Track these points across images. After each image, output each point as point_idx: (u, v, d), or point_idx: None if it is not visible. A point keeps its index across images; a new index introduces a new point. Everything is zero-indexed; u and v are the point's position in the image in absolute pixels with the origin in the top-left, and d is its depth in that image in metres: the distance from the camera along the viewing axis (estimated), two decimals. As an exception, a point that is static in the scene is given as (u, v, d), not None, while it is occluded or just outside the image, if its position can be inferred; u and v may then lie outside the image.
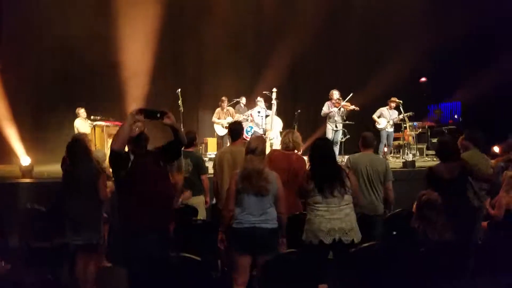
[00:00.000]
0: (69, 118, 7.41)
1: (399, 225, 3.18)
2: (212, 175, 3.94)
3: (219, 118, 7.89)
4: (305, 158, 3.69)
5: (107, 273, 3.72)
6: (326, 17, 9.69)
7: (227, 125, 7.76)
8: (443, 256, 2.36)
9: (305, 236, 2.80)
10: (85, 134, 4.27)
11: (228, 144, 4.49)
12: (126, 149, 2.67)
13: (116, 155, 2.49)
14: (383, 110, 7.66)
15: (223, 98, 7.92)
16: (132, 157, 2.59)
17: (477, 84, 8.95)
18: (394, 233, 2.46)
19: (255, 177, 2.74)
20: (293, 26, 9.44)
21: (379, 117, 7.65)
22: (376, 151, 7.62)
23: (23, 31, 7.82)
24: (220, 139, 8.03)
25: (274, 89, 7.41)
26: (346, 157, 6.78)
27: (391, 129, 7.71)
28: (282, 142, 3.75)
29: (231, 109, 8.02)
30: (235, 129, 3.86)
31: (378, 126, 7.62)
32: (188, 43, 9.33)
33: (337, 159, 3.07)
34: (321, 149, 2.92)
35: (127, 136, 2.49)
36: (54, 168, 5.60)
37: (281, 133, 7.75)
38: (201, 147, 8.59)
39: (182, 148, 3.11)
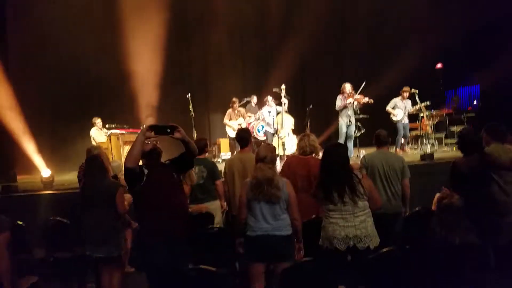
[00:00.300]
0: (85, 127, 7.58)
1: (419, 224, 3.11)
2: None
3: (230, 119, 7.91)
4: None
5: (131, 278, 3.79)
6: (332, 11, 9.56)
7: (238, 126, 7.80)
8: (464, 260, 2.29)
9: (321, 242, 2.78)
10: (99, 147, 4.30)
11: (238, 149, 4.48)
12: (140, 163, 2.73)
13: (130, 172, 2.55)
14: (397, 100, 7.37)
15: (234, 99, 7.91)
16: (146, 171, 2.65)
17: (495, 67, 8.62)
18: (407, 246, 2.35)
19: (266, 185, 2.74)
20: (299, 21, 9.34)
21: (393, 108, 7.39)
22: (395, 144, 7.52)
23: (36, 46, 8.00)
24: (232, 140, 8.03)
25: (283, 86, 7.31)
26: (362, 151, 6.77)
27: (406, 120, 7.44)
28: (299, 147, 3.71)
29: (242, 110, 8.01)
30: (243, 137, 3.84)
31: (395, 119, 7.33)
32: (194, 46, 9.35)
33: (350, 161, 2.96)
34: (331, 156, 2.84)
35: (139, 153, 2.55)
36: (73, 177, 5.73)
37: (292, 130, 7.76)
38: (213, 149, 8.65)
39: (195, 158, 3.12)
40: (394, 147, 7.51)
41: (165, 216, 2.63)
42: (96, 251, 3.19)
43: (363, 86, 6.85)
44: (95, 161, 3.40)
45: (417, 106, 7.35)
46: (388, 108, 7.41)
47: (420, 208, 3.29)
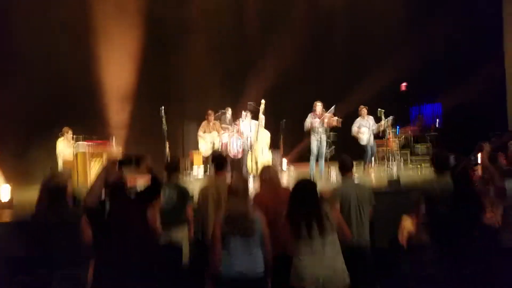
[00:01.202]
0: (51, 138, 7.20)
1: (388, 257, 3.20)
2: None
3: (204, 132, 7.79)
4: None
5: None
6: (309, 30, 9.79)
7: (212, 140, 7.71)
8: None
9: (291, 281, 2.75)
10: (62, 174, 4.03)
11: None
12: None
13: (91, 211, 2.42)
14: (360, 121, 7.61)
15: (209, 111, 7.85)
16: (108, 204, 2.52)
17: (457, 87, 9.11)
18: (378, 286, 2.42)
19: (240, 219, 2.71)
20: (276, 37, 9.49)
21: (359, 127, 7.58)
22: (363, 161, 7.73)
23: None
24: (204, 156, 7.96)
25: (263, 101, 7.37)
26: (332, 168, 6.89)
27: (372, 139, 7.64)
28: (261, 180, 3.61)
29: (217, 123, 7.93)
30: (219, 161, 3.78)
31: (362, 143, 7.54)
32: (171, 57, 9.23)
33: (318, 187, 2.97)
34: (300, 191, 2.84)
35: (100, 190, 2.44)
36: (35, 195, 5.41)
37: (268, 145, 7.83)
38: (186, 161, 8.54)
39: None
40: (362, 166, 7.74)
41: (129, 251, 2.51)
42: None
43: (333, 110, 7.02)
44: (59, 186, 3.12)
45: (382, 123, 7.49)
46: (354, 129, 7.56)
47: (390, 240, 3.37)
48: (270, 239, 2.88)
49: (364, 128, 7.56)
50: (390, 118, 7.59)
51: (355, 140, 7.73)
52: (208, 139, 7.77)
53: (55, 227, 3.08)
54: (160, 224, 3.76)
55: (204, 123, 7.85)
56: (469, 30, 8.97)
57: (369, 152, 7.58)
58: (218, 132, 7.83)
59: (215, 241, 2.78)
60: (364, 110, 7.60)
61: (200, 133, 7.82)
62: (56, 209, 3.07)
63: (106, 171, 2.43)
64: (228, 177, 3.70)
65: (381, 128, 7.61)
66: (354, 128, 7.59)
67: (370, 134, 7.55)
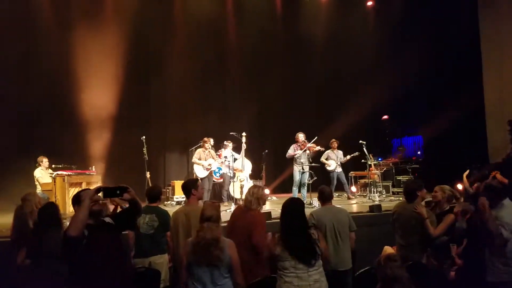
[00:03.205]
0: (28, 166, 7.00)
1: (368, 284, 3.17)
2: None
3: (199, 159, 7.70)
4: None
5: None
6: (290, 64, 10.15)
7: (208, 166, 7.64)
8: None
9: None
10: (34, 194, 4.01)
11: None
12: None
13: (73, 240, 2.32)
14: (329, 152, 8.07)
15: (206, 139, 7.74)
16: (86, 232, 2.44)
17: (436, 120, 9.45)
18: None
19: (208, 247, 2.62)
20: (258, 70, 9.76)
21: (327, 159, 8.02)
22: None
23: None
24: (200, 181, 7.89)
25: (244, 133, 7.53)
26: (315, 198, 6.92)
27: (339, 169, 8.03)
28: (245, 198, 3.67)
29: (212, 151, 7.82)
30: (186, 187, 3.73)
31: (328, 168, 8.00)
32: (154, 86, 9.28)
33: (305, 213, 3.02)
34: (290, 213, 2.88)
35: (86, 219, 2.36)
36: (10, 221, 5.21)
37: (250, 175, 7.89)
38: (168, 190, 8.42)
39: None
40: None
41: (105, 280, 2.45)
42: None
43: (315, 140, 7.26)
44: (51, 209, 3.25)
45: (355, 154, 7.94)
46: (322, 159, 8.04)
47: (369, 268, 3.35)
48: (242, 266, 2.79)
49: (331, 161, 8.00)
50: (356, 153, 7.98)
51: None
52: (206, 164, 7.62)
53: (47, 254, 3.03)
54: (139, 250, 3.73)
55: (199, 150, 7.71)
56: (448, 62, 9.40)
57: (334, 181, 7.96)
58: (214, 160, 7.71)
59: (182, 270, 2.72)
60: (334, 144, 8.08)
61: (195, 159, 7.68)
62: (50, 236, 3.02)
63: (91, 198, 2.39)
64: (201, 204, 3.66)
65: (348, 158, 8.04)
66: (322, 159, 8.07)
67: (337, 165, 7.99)
